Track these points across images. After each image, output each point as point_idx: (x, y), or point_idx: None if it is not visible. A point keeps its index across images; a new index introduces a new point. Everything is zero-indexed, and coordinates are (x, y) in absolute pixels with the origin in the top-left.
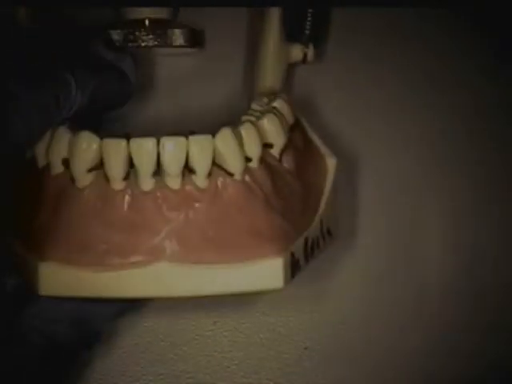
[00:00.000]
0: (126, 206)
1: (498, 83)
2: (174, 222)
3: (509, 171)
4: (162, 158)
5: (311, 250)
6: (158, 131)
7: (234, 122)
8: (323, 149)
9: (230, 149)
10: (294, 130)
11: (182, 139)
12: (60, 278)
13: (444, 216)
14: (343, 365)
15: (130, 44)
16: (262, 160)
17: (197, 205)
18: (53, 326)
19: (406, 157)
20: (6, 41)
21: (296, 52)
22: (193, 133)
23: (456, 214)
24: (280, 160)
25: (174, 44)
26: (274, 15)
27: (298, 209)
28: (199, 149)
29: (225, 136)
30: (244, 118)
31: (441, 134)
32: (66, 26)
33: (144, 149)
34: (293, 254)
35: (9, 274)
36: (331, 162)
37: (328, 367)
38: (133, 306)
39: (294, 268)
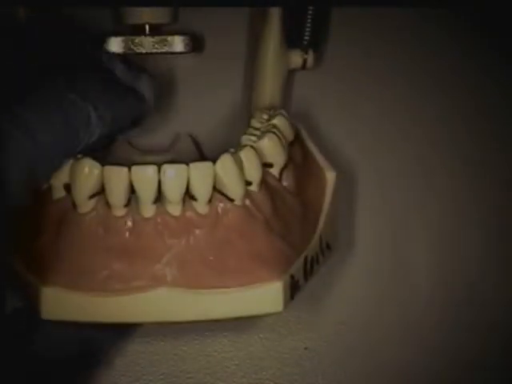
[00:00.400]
0: (127, 232)
1: (500, 83)
2: (174, 248)
3: (511, 171)
4: (162, 185)
5: (310, 267)
6: (157, 134)
7: (233, 124)
8: (322, 162)
9: (231, 175)
10: (294, 145)
11: (182, 166)
12: (62, 303)
13: (445, 217)
14: (343, 365)
15: (129, 51)
16: (262, 182)
17: (197, 231)
18: (59, 342)
19: (406, 157)
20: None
21: (295, 58)
22: (192, 137)
23: (457, 214)
24: (280, 179)
25: (173, 50)
26: (275, 18)
27: (297, 229)
28: (200, 176)
29: (225, 162)
30: (244, 138)
31: (443, 135)
32: (75, 42)
33: (145, 176)
34: (292, 276)
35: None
36: (330, 176)
37: (328, 367)
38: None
39: (293, 289)
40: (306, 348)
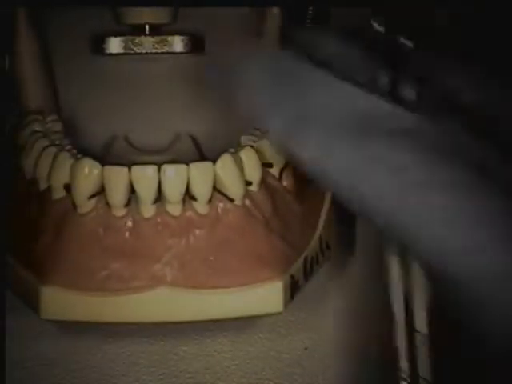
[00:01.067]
0: (127, 232)
1: None
2: (174, 247)
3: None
4: (162, 185)
5: (310, 267)
6: (157, 134)
7: (233, 124)
8: None
9: (231, 175)
10: None
11: (182, 166)
12: (61, 303)
13: None
14: (343, 365)
15: (129, 51)
16: (262, 182)
17: (197, 231)
18: None
19: None
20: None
21: None
22: (192, 137)
23: None
24: (280, 179)
25: (173, 50)
26: (275, 18)
27: (297, 229)
28: (200, 176)
29: (225, 162)
30: (244, 138)
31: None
32: None
33: (145, 176)
34: (292, 276)
35: None
36: None
37: (328, 367)
38: None
39: (293, 289)
40: (306, 348)
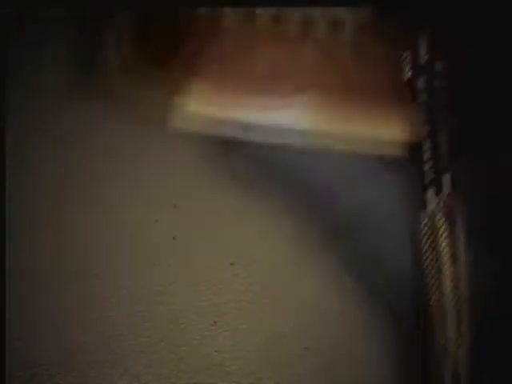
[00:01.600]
0: (269, 52)
1: None
2: (316, 72)
3: None
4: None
5: None
6: None
7: None
8: None
9: None
10: None
11: None
12: (195, 114)
13: None
14: (343, 365)
15: None
16: None
17: (341, 59)
18: None
19: None
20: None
21: None
22: None
23: None
24: None
25: None
26: None
27: None
28: None
29: None
30: None
31: None
32: None
33: None
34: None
35: None
36: None
37: (328, 367)
38: None
39: None
40: (305, 348)
